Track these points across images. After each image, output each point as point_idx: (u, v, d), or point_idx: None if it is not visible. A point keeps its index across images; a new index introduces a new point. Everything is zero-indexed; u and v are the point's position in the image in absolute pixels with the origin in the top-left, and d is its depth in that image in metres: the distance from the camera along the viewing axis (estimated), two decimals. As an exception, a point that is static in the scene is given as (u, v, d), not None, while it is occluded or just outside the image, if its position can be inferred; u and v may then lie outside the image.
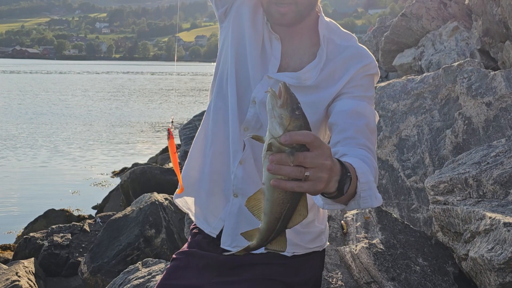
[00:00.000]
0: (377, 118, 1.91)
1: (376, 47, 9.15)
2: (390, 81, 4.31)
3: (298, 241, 2.02)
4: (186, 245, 2.19)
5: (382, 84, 4.31)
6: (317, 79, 1.91)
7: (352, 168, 1.47)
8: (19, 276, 5.02)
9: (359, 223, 2.79)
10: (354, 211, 2.90)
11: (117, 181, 12.46)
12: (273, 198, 1.34)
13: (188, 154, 2.18)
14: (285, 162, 1.27)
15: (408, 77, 4.24)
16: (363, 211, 2.87)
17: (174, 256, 2.21)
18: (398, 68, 8.15)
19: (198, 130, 2.16)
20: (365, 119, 1.81)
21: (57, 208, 8.50)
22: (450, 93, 3.83)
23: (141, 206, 5.63)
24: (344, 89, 1.89)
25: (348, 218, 2.87)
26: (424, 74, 4.12)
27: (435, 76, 3.96)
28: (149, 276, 3.23)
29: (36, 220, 8.10)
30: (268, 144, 1.31)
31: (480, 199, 2.63)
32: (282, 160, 1.28)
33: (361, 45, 1.99)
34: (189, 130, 5.48)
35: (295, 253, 2.02)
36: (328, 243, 2.23)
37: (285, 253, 1.99)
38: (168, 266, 2.21)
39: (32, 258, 5.81)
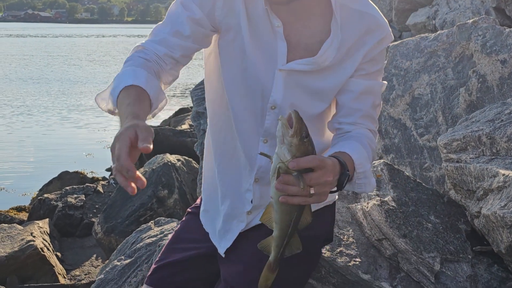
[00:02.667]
0: (384, 87, 1.91)
1: (390, 6, 9.01)
2: (404, 39, 4.25)
3: None
4: (199, 200, 2.20)
5: (396, 42, 4.26)
6: (335, 58, 1.82)
7: (350, 160, 1.62)
8: (34, 236, 5.08)
9: (370, 181, 2.78)
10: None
11: (130, 143, 12.45)
12: (282, 209, 1.50)
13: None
14: (292, 183, 1.43)
15: (422, 36, 4.18)
16: (374, 169, 2.86)
17: (189, 210, 2.23)
18: (411, 28, 8.04)
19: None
20: (371, 98, 1.84)
21: (71, 170, 8.56)
22: (464, 50, 3.77)
23: (154, 167, 5.65)
24: (361, 64, 1.84)
25: (359, 176, 2.86)
26: (438, 32, 4.05)
27: (449, 34, 3.90)
28: (161, 235, 3.25)
29: (50, 182, 8.16)
30: (277, 168, 1.45)
31: (493, 157, 2.61)
32: (290, 182, 1.43)
33: (375, 7, 1.87)
34: (200, 91, 5.45)
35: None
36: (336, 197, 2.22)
37: None
38: (183, 219, 2.23)
39: (47, 219, 5.87)
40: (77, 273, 5.26)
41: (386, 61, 1.89)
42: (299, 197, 1.45)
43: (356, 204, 2.63)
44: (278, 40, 1.80)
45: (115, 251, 3.44)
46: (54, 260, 5.08)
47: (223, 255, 2.00)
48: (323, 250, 2.33)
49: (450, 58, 3.81)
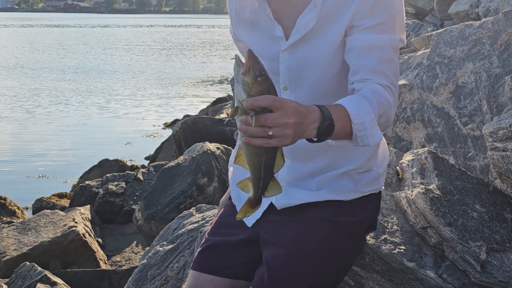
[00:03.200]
0: (395, 42, 1.82)
1: (431, -6, 8.89)
2: (448, 27, 4.19)
3: (354, 186, 2.01)
4: None
5: (439, 30, 4.19)
6: (319, 19, 1.83)
7: (342, 111, 1.59)
8: (76, 222, 5.17)
9: (414, 169, 2.75)
10: (410, 157, 2.86)
11: (168, 132, 12.62)
12: (249, 151, 1.51)
13: None
14: (250, 123, 1.44)
15: (466, 23, 4.10)
16: (418, 157, 2.83)
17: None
18: (454, 16, 7.91)
19: None
20: (377, 52, 1.78)
21: (111, 158, 8.67)
22: (510, 38, 3.69)
23: (194, 155, 5.68)
24: (353, 21, 1.81)
25: (403, 164, 2.83)
26: (482, 20, 3.98)
27: (494, 21, 3.82)
28: (203, 221, 3.27)
29: (91, 169, 8.29)
30: (235, 108, 1.46)
31: (541, 146, 2.56)
32: (247, 122, 1.44)
33: None
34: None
35: (351, 199, 2.02)
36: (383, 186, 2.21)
37: (341, 199, 1.99)
38: (226, 204, 2.26)
39: (88, 206, 5.96)
40: (118, 259, 5.33)
41: (394, 13, 1.79)
42: (260, 139, 1.45)
43: (400, 192, 2.61)
44: (275, 25, 1.89)
45: (157, 236, 3.47)
46: (95, 246, 5.16)
47: (250, 226, 2.07)
48: (367, 237, 2.32)
49: (495, 46, 3.74)
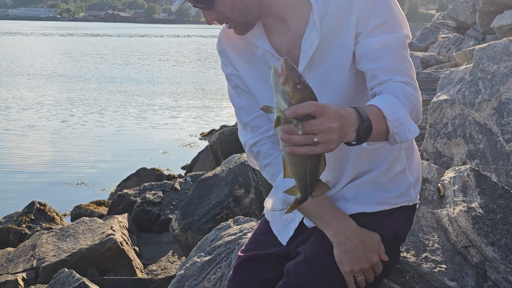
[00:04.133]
0: (402, 38, 1.82)
1: (473, 8, 8.78)
2: (491, 42, 4.13)
3: (383, 197, 1.99)
4: None
5: (482, 45, 4.14)
6: (322, 36, 1.83)
7: (376, 110, 1.58)
8: (113, 230, 5.21)
9: (456, 186, 2.71)
10: (452, 174, 2.82)
11: (205, 142, 12.68)
12: (294, 161, 1.50)
13: None
14: (294, 132, 1.42)
15: (510, 38, 4.05)
16: (460, 174, 2.79)
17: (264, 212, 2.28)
18: (496, 30, 7.81)
19: None
20: (388, 52, 1.77)
21: (148, 167, 8.75)
22: (556, 54, 3.63)
23: (231, 166, 5.69)
24: (358, 28, 1.81)
25: (445, 181, 2.79)
26: (527, 35, 3.92)
27: (539, 37, 3.77)
28: (240, 233, 3.27)
29: (128, 178, 8.37)
30: (276, 118, 1.45)
31: None
32: (291, 131, 1.42)
33: None
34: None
35: (381, 210, 1.98)
36: (419, 200, 2.18)
37: (369, 211, 1.97)
38: (260, 221, 2.27)
39: (126, 214, 6.01)
40: (154, 267, 5.36)
41: (393, 11, 1.78)
42: (305, 147, 1.43)
43: (441, 209, 2.58)
44: (275, 61, 1.88)
45: (195, 247, 3.48)
46: (132, 254, 5.20)
47: (285, 244, 2.07)
48: (408, 255, 2.29)
49: (540, 62, 3.68)
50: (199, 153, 10.21)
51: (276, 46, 1.93)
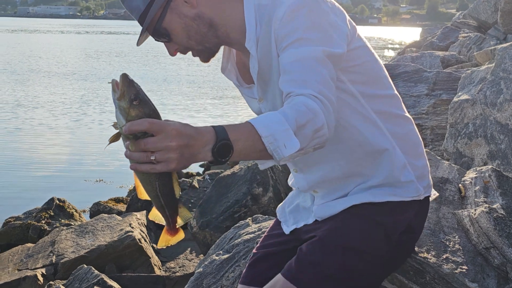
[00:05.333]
0: (317, 52, 1.70)
1: (495, 8, 8.69)
2: (513, 41, 4.09)
3: (391, 190, 2.00)
4: None
5: (505, 45, 4.10)
6: (260, 61, 1.89)
7: (248, 128, 1.51)
8: (132, 227, 5.24)
9: (478, 187, 2.68)
10: (473, 175, 2.79)
11: (223, 141, 12.66)
12: (141, 178, 1.49)
13: None
14: (132, 149, 1.42)
15: (533, 38, 4.00)
16: (482, 175, 2.76)
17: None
18: (518, 30, 7.74)
19: None
20: (298, 65, 1.70)
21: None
22: None
23: (249, 165, 5.69)
24: (278, 49, 1.81)
25: (466, 182, 2.77)
26: (550, 35, 3.87)
27: None
28: (259, 232, 3.27)
29: (147, 175, 8.37)
30: (115, 134, 1.44)
31: None
32: (128, 147, 1.43)
33: None
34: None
35: (389, 201, 2.00)
36: (434, 195, 2.19)
37: (379, 200, 1.99)
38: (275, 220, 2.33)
39: (144, 211, 6.03)
40: (172, 265, 5.38)
41: (309, 25, 1.70)
42: (145, 165, 1.41)
43: (462, 210, 2.55)
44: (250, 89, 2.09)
45: (214, 245, 3.48)
46: (150, 252, 5.22)
47: (288, 233, 2.19)
48: (428, 255, 2.28)
49: None
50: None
51: (244, 77, 2.08)
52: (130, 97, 1.40)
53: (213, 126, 1.49)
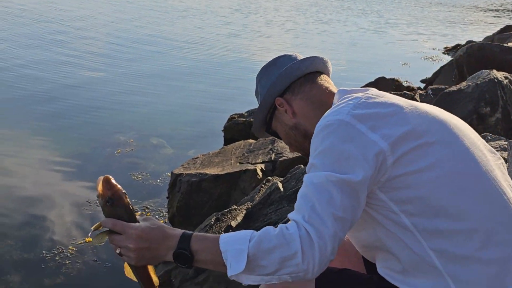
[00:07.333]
0: (324, 177, 1.51)
1: None
2: None
3: None
4: None
5: None
6: None
7: (215, 240, 1.55)
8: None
9: None
10: None
11: (448, 57, 12.14)
12: (126, 267, 1.70)
13: None
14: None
15: None
16: None
17: None
18: None
19: None
20: (300, 191, 1.57)
21: (387, 77, 8.63)
22: None
23: (478, 82, 5.37)
24: None
25: None
26: None
27: None
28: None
29: (367, 85, 8.32)
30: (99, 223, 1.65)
31: None
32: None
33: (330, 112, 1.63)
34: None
35: None
36: None
37: None
38: None
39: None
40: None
41: (321, 149, 1.49)
42: (119, 254, 1.62)
43: None
44: None
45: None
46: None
47: None
48: None
49: None
50: (442, 67, 9.80)
51: None
52: (105, 198, 1.61)
53: (183, 232, 1.59)
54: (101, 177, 1.63)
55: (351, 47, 13.44)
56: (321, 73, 1.94)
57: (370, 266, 1.85)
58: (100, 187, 1.63)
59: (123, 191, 1.63)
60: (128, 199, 1.64)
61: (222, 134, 7.14)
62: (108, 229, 1.63)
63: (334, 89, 1.89)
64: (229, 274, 1.51)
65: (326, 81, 1.92)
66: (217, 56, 12.23)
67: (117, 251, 1.61)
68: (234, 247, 1.52)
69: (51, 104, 8.11)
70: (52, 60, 10.75)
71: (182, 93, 9.06)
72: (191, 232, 1.59)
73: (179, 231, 1.59)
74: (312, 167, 1.57)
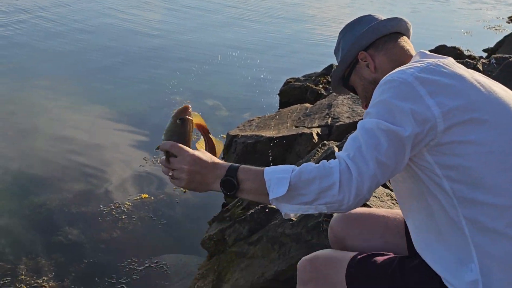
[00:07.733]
0: (375, 124, 1.59)
1: None
2: None
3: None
4: None
5: None
6: None
7: (259, 171, 1.64)
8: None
9: None
10: None
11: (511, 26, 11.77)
12: None
13: None
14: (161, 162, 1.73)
15: None
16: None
17: None
18: None
19: None
20: (352, 134, 1.67)
21: (448, 45, 8.44)
22: None
23: (546, 51, 5.17)
24: None
25: None
26: None
27: None
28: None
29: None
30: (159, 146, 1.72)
31: None
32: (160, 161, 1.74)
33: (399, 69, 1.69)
34: None
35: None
36: None
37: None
38: None
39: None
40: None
41: (378, 100, 1.63)
42: (169, 176, 1.69)
43: None
44: None
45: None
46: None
47: None
48: None
49: None
50: (505, 36, 9.50)
51: None
52: (178, 116, 1.71)
53: (231, 164, 1.67)
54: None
55: (412, 14, 13.13)
56: (403, 34, 2.02)
57: (410, 242, 1.88)
58: (178, 109, 1.73)
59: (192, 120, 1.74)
60: (191, 128, 1.75)
61: (278, 98, 7.12)
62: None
63: (413, 52, 1.96)
64: (270, 198, 1.61)
65: (407, 43, 1.99)
66: (280, 24, 12.17)
67: (170, 174, 1.69)
68: (277, 175, 1.62)
69: (113, 67, 8.25)
70: (115, 26, 10.95)
71: (238, 58, 9.07)
72: (238, 164, 1.69)
73: (227, 163, 1.70)
74: (367, 115, 1.65)
